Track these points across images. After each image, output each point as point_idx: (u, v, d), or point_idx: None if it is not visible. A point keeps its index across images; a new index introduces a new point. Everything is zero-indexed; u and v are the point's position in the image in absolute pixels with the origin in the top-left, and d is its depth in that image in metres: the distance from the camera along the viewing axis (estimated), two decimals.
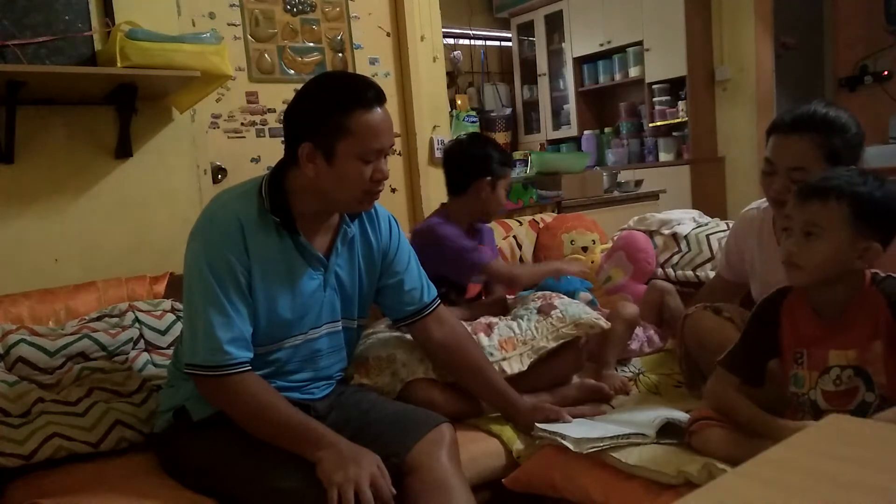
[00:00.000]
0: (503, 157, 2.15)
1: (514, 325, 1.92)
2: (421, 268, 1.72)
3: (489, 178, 2.08)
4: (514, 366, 1.81)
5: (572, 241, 2.67)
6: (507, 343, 1.85)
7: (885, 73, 5.05)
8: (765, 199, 1.81)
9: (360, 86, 1.44)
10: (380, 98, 1.44)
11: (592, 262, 2.54)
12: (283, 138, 1.49)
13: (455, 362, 1.70)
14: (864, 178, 1.31)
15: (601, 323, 1.94)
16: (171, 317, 1.88)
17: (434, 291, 1.71)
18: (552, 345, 1.86)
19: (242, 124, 2.87)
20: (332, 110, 1.40)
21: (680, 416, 1.57)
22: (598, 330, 1.95)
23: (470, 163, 2.11)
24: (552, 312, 1.93)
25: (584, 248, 2.65)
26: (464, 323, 1.87)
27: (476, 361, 1.70)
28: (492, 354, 1.80)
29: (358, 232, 1.60)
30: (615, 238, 2.69)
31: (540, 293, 2.08)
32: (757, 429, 1.37)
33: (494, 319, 1.97)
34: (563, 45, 6.13)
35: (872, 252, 1.29)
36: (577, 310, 1.95)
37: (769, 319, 1.41)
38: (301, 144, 1.42)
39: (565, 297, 2.04)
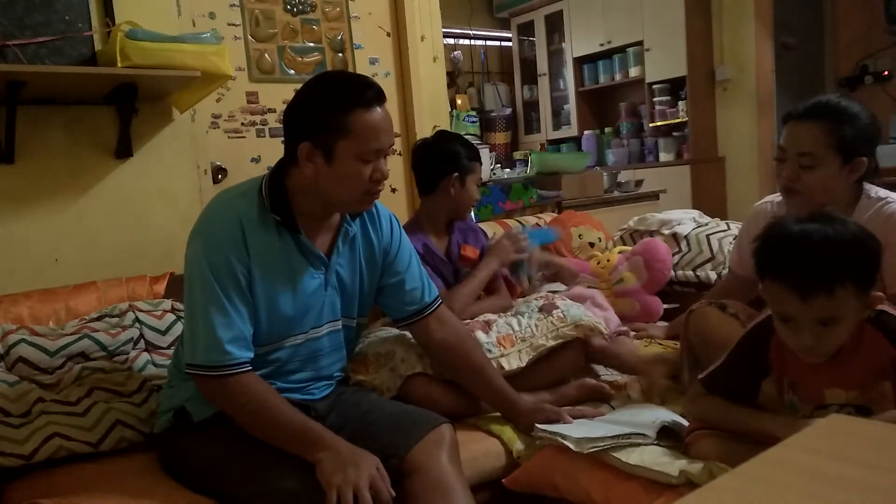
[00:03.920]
0: (470, 152, 2.13)
1: (514, 321, 1.93)
2: (422, 267, 1.72)
3: (456, 174, 2.08)
4: (513, 362, 1.81)
5: (580, 235, 2.69)
6: (506, 340, 1.86)
7: (885, 73, 5.05)
8: (779, 193, 1.81)
9: (359, 85, 1.44)
10: (379, 98, 1.44)
11: (609, 261, 2.54)
12: (283, 138, 1.49)
13: (456, 362, 1.70)
14: (842, 228, 1.21)
15: (601, 327, 1.94)
16: (171, 317, 1.88)
17: (435, 291, 1.71)
18: (551, 343, 1.87)
19: (242, 124, 2.87)
20: (331, 110, 1.40)
21: (679, 419, 1.57)
22: (597, 333, 1.94)
23: (436, 160, 2.11)
24: (553, 312, 1.93)
25: (591, 244, 2.67)
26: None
27: (477, 361, 1.70)
28: (490, 351, 1.80)
29: (359, 231, 1.60)
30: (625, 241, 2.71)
31: (542, 294, 2.08)
32: (739, 424, 1.37)
33: (493, 317, 1.98)
34: (563, 45, 6.13)
35: (876, 300, 1.26)
36: (578, 311, 1.95)
37: (759, 345, 1.38)
38: (300, 144, 1.42)
39: (568, 299, 2.04)
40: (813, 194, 1.67)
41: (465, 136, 2.33)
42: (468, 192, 2.12)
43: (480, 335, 1.85)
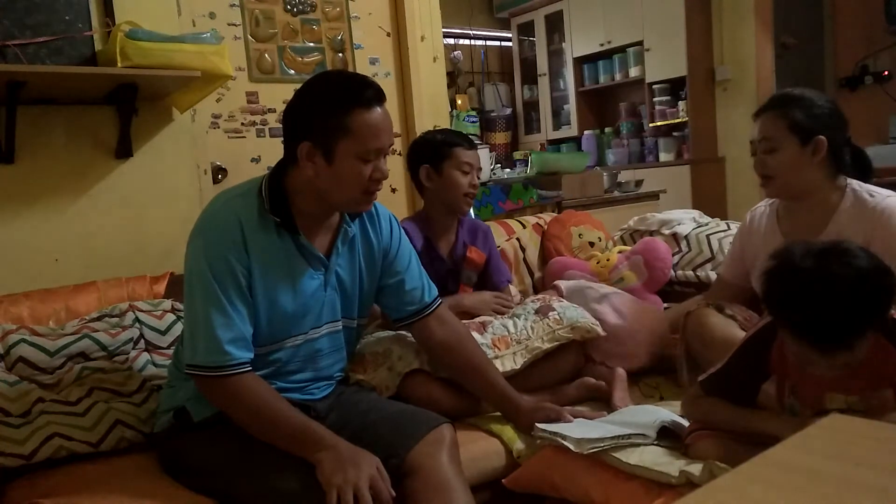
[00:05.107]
0: (448, 137, 2.09)
1: (510, 323, 1.92)
2: (422, 267, 1.71)
3: (427, 164, 2.05)
4: (507, 364, 1.80)
5: (580, 234, 2.69)
6: (501, 341, 1.85)
7: (885, 73, 5.05)
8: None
9: (359, 85, 1.44)
10: (379, 97, 1.44)
11: (609, 260, 2.54)
12: (283, 138, 1.49)
13: (456, 362, 1.70)
14: (856, 273, 1.16)
15: (598, 329, 1.93)
16: (171, 317, 1.88)
17: (435, 291, 1.71)
18: (546, 346, 1.86)
19: (242, 124, 2.87)
20: (331, 109, 1.40)
21: (679, 420, 1.57)
22: (594, 335, 1.92)
23: (412, 156, 2.11)
24: (550, 314, 1.92)
25: (591, 244, 2.67)
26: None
27: (477, 361, 1.70)
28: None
29: (358, 231, 1.59)
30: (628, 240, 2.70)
31: (539, 295, 2.07)
32: (739, 424, 1.37)
33: (489, 318, 1.97)
34: (564, 45, 6.13)
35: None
36: (574, 313, 1.93)
37: (760, 350, 1.37)
38: (300, 144, 1.42)
39: (564, 300, 2.03)
40: (782, 177, 1.76)
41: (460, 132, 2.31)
42: (448, 180, 2.04)
43: (475, 336, 1.83)
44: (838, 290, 1.15)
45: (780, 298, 1.23)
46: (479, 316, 2.00)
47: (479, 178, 2.12)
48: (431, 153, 2.06)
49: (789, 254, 1.23)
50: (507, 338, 1.86)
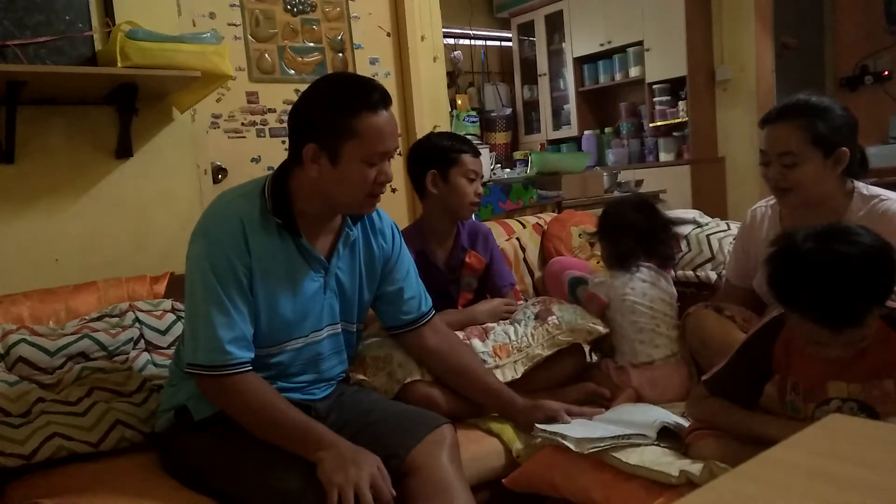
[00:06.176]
0: (455, 143, 2.02)
1: (511, 330, 1.90)
2: (419, 277, 1.71)
3: (433, 170, 1.99)
4: (507, 373, 1.79)
5: (580, 234, 2.69)
6: (501, 350, 1.84)
7: (885, 73, 5.05)
8: (772, 196, 1.83)
9: (366, 88, 1.44)
10: (385, 101, 1.44)
11: None
12: (283, 138, 1.50)
13: (450, 368, 1.70)
14: (858, 250, 1.16)
15: (599, 328, 1.91)
16: (171, 317, 1.88)
17: (430, 301, 1.72)
18: (547, 352, 1.84)
19: (243, 124, 2.87)
20: (338, 112, 1.40)
21: (678, 420, 1.57)
22: (595, 336, 1.91)
23: (415, 160, 2.04)
24: (549, 319, 1.90)
25: (592, 244, 2.67)
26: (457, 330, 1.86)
27: (470, 365, 1.70)
28: (485, 361, 1.79)
29: (360, 236, 1.59)
30: None
31: (540, 298, 2.06)
32: (743, 427, 1.37)
33: (491, 324, 1.95)
34: (564, 45, 6.13)
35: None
36: (572, 316, 1.91)
37: (763, 347, 1.37)
38: (306, 145, 1.42)
39: (565, 303, 2.01)
40: (803, 190, 1.70)
41: (464, 136, 2.28)
42: (455, 188, 1.98)
43: (477, 343, 1.83)
44: (843, 266, 1.16)
45: (786, 280, 1.24)
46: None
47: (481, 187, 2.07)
48: (438, 159, 1.99)
49: (790, 237, 1.24)
50: (507, 345, 1.85)
